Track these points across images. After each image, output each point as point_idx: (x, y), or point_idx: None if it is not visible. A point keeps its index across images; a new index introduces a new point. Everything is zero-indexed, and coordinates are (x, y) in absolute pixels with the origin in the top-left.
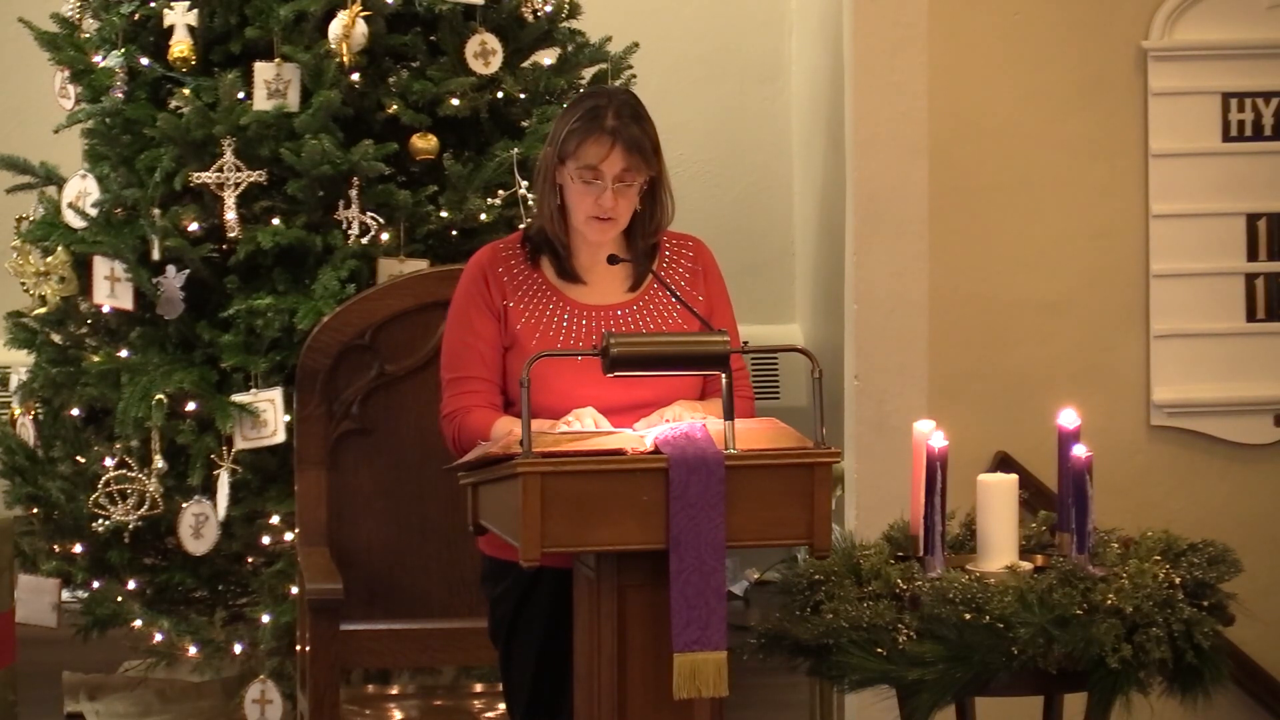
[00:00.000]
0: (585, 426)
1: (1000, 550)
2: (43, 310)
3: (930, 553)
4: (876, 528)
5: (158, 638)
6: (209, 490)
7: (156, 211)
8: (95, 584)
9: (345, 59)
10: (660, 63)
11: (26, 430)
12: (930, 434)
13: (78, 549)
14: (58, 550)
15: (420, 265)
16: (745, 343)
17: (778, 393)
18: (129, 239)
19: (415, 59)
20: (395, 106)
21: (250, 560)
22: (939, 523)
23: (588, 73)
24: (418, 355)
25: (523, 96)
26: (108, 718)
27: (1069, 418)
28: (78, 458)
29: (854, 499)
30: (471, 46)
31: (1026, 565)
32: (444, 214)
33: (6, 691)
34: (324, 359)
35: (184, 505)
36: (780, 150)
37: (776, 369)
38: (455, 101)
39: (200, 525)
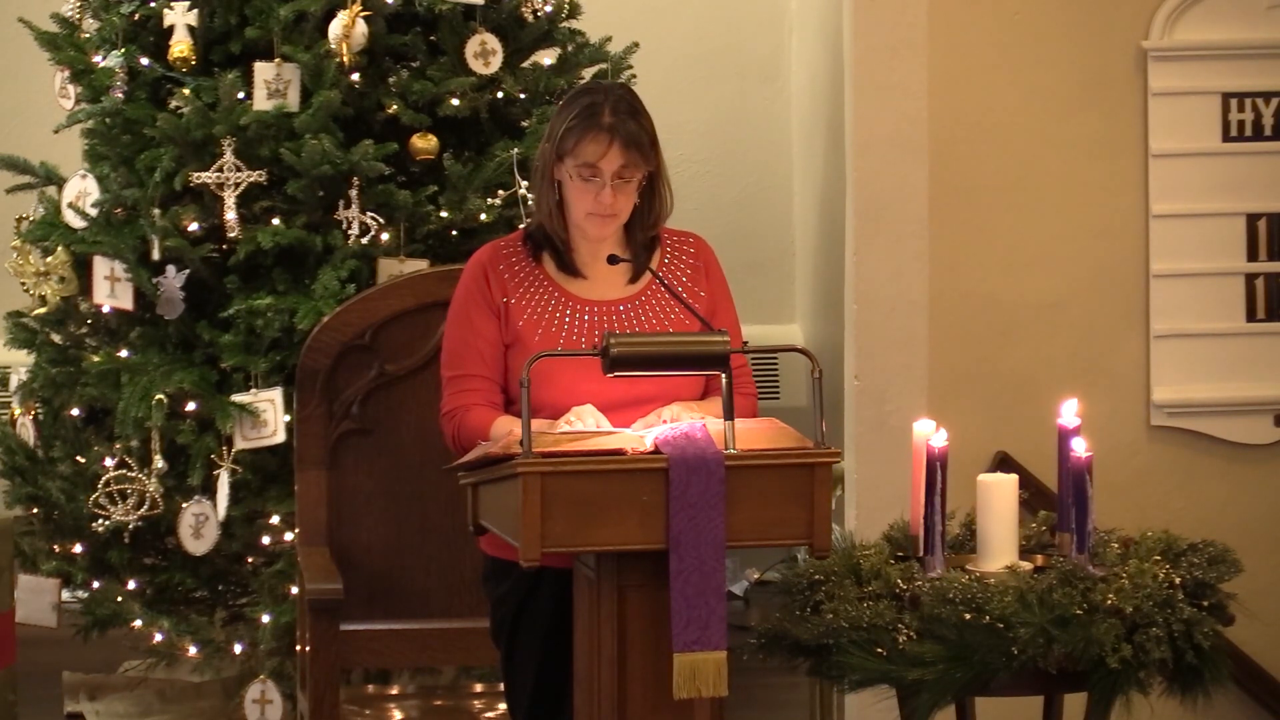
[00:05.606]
0: (586, 426)
1: (1000, 550)
2: (43, 310)
3: (930, 553)
4: (876, 528)
5: (158, 638)
6: (209, 490)
7: (156, 211)
8: (95, 584)
9: (345, 59)
10: (660, 63)
11: (26, 430)
12: (930, 434)
13: (78, 549)
14: (58, 550)
15: (420, 265)
16: (745, 342)
17: (778, 393)
18: (129, 239)
19: (415, 59)
20: (395, 106)
21: (250, 560)
22: (939, 523)
23: (588, 73)
24: (418, 355)
25: (523, 96)
26: (108, 718)
27: (1069, 412)
28: (78, 458)
29: (854, 499)
30: (471, 46)
31: (1026, 565)
32: (444, 214)
33: (6, 691)
34: (324, 359)
35: (184, 505)
36: (780, 150)
37: (776, 369)
38: (455, 101)
39: (200, 525)
